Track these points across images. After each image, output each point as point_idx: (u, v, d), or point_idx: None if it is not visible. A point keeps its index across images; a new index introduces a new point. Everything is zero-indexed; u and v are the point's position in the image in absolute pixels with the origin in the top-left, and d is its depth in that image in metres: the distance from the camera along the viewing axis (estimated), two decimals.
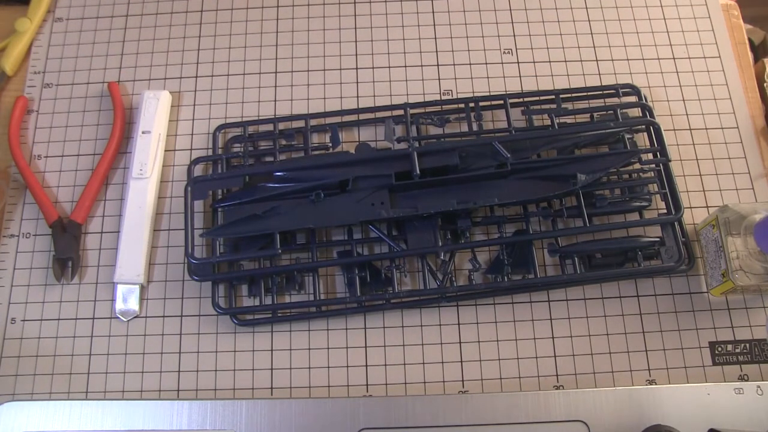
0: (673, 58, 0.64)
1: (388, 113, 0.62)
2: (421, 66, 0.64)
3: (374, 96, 0.63)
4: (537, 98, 0.61)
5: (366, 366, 0.54)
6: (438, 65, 0.64)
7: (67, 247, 0.57)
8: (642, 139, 0.59)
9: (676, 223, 0.55)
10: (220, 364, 0.54)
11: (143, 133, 0.60)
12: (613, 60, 0.64)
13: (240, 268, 0.57)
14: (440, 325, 0.55)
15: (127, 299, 0.56)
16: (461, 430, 0.49)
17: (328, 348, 0.55)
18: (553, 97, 0.61)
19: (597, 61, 0.64)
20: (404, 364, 0.54)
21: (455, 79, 0.64)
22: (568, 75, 0.64)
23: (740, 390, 0.50)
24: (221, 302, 0.56)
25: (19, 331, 0.56)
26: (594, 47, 0.65)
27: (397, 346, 0.55)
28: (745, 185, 0.59)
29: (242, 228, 0.55)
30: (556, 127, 0.58)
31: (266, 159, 0.60)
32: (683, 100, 0.63)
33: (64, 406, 0.50)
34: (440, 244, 0.55)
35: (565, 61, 0.64)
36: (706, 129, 0.61)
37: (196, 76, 0.65)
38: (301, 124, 0.61)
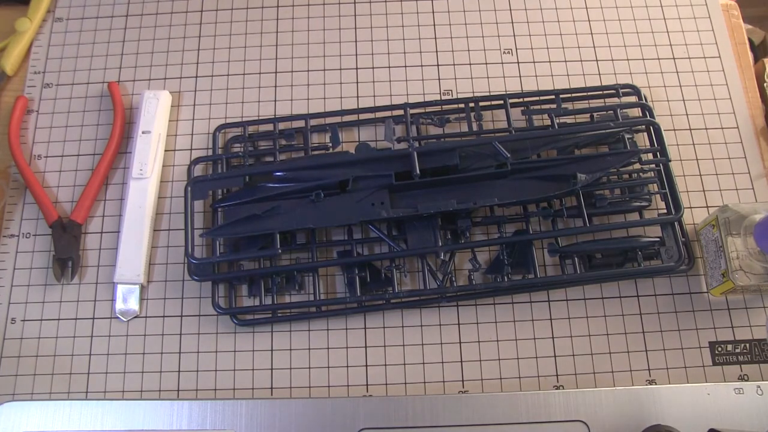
0: (673, 58, 0.64)
1: (388, 113, 0.62)
2: (421, 66, 0.64)
3: (374, 96, 0.63)
4: (537, 98, 0.61)
5: (366, 366, 0.54)
6: (438, 65, 0.64)
7: (67, 247, 0.57)
8: (642, 139, 0.59)
9: (676, 223, 0.55)
10: (220, 364, 0.54)
11: (143, 133, 0.60)
12: (613, 60, 0.64)
13: (240, 268, 0.57)
14: (440, 325, 0.55)
15: (127, 299, 0.56)
16: (461, 430, 0.49)
17: (328, 348, 0.55)
18: (553, 97, 0.61)
19: (597, 61, 0.64)
20: (404, 364, 0.54)
21: (455, 79, 0.64)
22: (568, 75, 0.64)
23: (740, 390, 0.50)
24: (221, 302, 0.56)
25: (19, 331, 0.56)
26: (594, 47, 0.65)
27: (397, 346, 0.55)
28: (745, 185, 0.59)
29: (242, 228, 0.55)
30: (556, 127, 0.58)
31: (266, 159, 0.60)
32: (683, 100, 0.63)
33: (64, 406, 0.50)
34: (440, 244, 0.55)
35: (565, 61, 0.64)
36: (706, 129, 0.61)
37: (196, 76, 0.65)
38: (301, 124, 0.61)
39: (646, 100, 0.61)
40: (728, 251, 0.52)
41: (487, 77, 0.64)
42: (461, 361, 0.54)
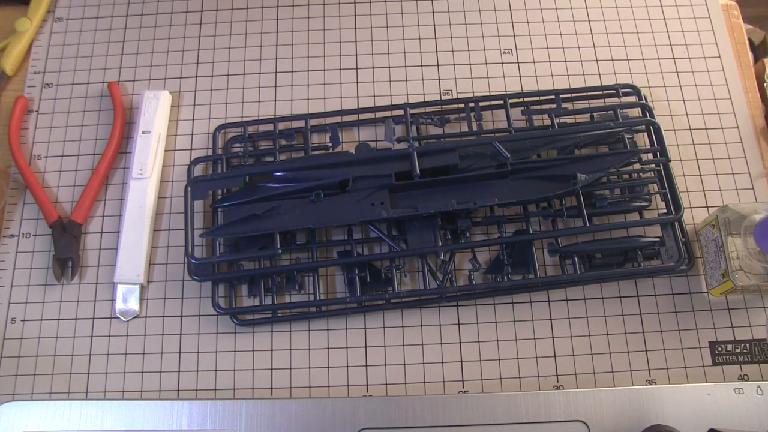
0: (673, 58, 0.64)
1: (388, 113, 0.62)
2: (421, 66, 0.64)
3: (374, 96, 0.63)
4: (537, 98, 0.61)
5: (366, 366, 0.54)
6: (438, 65, 0.64)
7: (67, 247, 0.57)
8: (642, 139, 0.59)
9: (676, 223, 0.55)
10: (220, 364, 0.54)
11: (143, 133, 0.60)
12: (613, 60, 0.64)
13: (240, 268, 0.57)
14: (440, 325, 0.55)
15: (127, 299, 0.56)
16: (461, 430, 0.49)
17: (328, 348, 0.55)
18: (553, 97, 0.61)
19: (597, 61, 0.64)
20: (404, 364, 0.54)
21: (455, 79, 0.64)
22: (568, 75, 0.64)
23: (740, 390, 0.50)
24: (221, 302, 0.56)
25: (19, 331, 0.56)
26: (594, 47, 0.65)
27: (397, 346, 0.55)
28: (745, 185, 0.59)
29: (242, 228, 0.55)
30: (556, 127, 0.58)
31: (266, 159, 0.60)
32: (683, 100, 0.63)
33: (64, 406, 0.50)
34: (440, 244, 0.55)
35: (565, 61, 0.64)
36: (706, 129, 0.61)
37: (196, 76, 0.65)
38: (301, 124, 0.61)
39: (646, 100, 0.61)
40: (728, 251, 0.52)
41: (487, 77, 0.64)
42: (461, 361, 0.54)
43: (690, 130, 0.61)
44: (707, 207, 0.59)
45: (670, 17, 0.66)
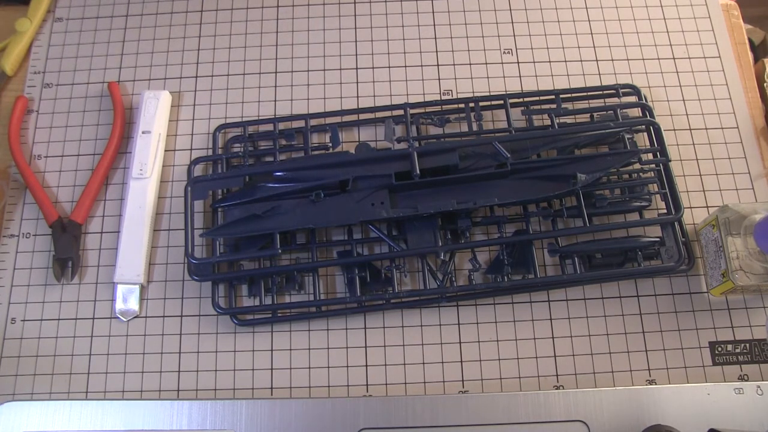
0: (673, 58, 0.64)
1: (388, 113, 0.62)
2: (421, 66, 0.64)
3: (374, 96, 0.63)
4: (537, 98, 0.61)
5: (366, 366, 0.54)
6: (438, 65, 0.64)
7: (67, 247, 0.57)
8: (642, 139, 0.59)
9: (676, 223, 0.55)
10: (220, 364, 0.54)
11: (143, 133, 0.60)
12: (613, 60, 0.64)
13: (240, 268, 0.57)
14: (440, 325, 0.55)
15: (127, 299, 0.56)
16: (461, 430, 0.49)
17: (328, 348, 0.55)
18: (553, 97, 0.61)
19: (597, 61, 0.64)
20: (404, 364, 0.54)
21: (455, 79, 0.64)
22: (568, 75, 0.64)
23: (740, 390, 0.50)
24: (221, 302, 0.56)
25: (19, 331, 0.56)
26: (594, 47, 0.65)
27: (397, 346, 0.55)
28: (745, 185, 0.59)
29: (242, 228, 0.55)
30: (556, 127, 0.58)
31: (266, 159, 0.60)
32: (683, 100, 0.63)
33: (64, 406, 0.50)
34: (440, 244, 0.55)
35: (565, 61, 0.64)
36: (706, 129, 0.61)
37: (196, 76, 0.65)
38: (301, 124, 0.61)
39: (646, 100, 0.61)
40: (728, 251, 0.52)
41: (487, 77, 0.64)
42: (461, 361, 0.54)
43: (690, 130, 0.61)
44: (707, 207, 0.59)
45: (670, 17, 0.66)
